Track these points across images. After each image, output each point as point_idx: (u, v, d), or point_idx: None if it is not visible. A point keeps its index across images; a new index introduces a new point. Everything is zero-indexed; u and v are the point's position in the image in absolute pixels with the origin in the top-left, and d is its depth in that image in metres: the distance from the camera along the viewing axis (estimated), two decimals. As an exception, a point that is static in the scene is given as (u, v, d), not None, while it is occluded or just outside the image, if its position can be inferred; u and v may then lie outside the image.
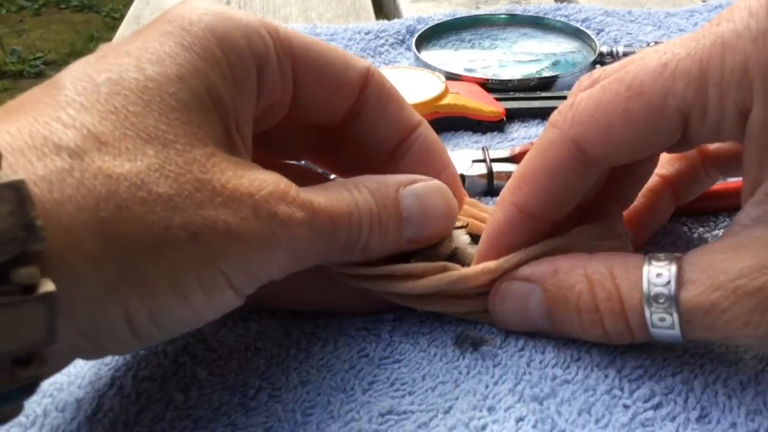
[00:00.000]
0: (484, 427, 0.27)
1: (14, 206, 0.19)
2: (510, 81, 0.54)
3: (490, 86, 0.53)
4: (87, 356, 0.25)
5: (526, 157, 0.31)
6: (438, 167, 0.33)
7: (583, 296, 0.28)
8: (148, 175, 0.23)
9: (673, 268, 0.27)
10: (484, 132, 0.49)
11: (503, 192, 0.31)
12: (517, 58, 0.59)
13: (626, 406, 0.28)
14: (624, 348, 0.30)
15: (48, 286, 0.20)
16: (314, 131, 0.33)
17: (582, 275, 0.29)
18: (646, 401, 0.28)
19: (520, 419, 0.27)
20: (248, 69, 0.27)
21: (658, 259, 0.28)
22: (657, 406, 0.28)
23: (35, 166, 0.21)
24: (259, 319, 0.33)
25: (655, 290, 0.27)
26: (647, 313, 0.27)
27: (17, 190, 0.19)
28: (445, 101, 0.49)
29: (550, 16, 0.65)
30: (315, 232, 0.27)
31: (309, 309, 0.33)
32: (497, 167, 0.42)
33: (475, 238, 0.32)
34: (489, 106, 0.49)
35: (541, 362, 0.30)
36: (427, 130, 0.33)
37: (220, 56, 0.26)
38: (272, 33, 0.28)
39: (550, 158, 0.29)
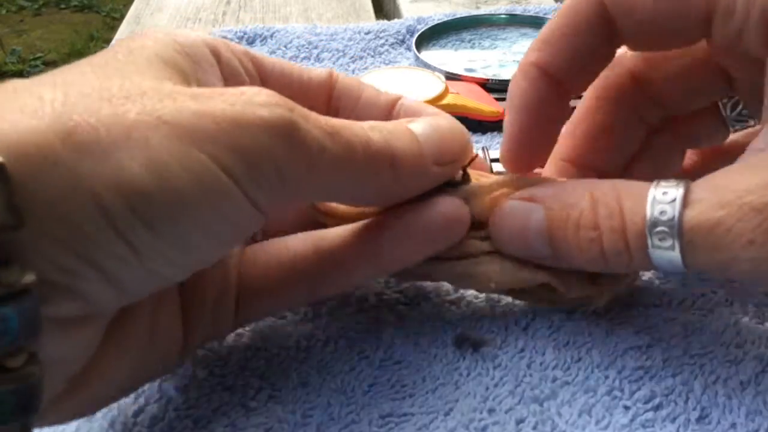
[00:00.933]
0: (484, 428, 0.27)
1: None
2: (510, 81, 0.54)
3: (490, 86, 0.53)
4: (99, 296, 0.21)
5: (549, 22, 0.30)
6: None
7: (585, 213, 0.27)
8: (99, 85, 0.22)
9: (681, 188, 0.26)
10: (484, 132, 0.49)
11: (524, 57, 0.30)
12: (517, 58, 0.59)
13: (626, 407, 0.28)
14: (624, 348, 0.30)
15: None
16: None
17: (587, 193, 0.28)
18: (646, 402, 0.28)
19: (520, 421, 0.27)
20: (201, 48, 0.27)
21: (667, 181, 0.27)
22: (657, 407, 0.28)
23: None
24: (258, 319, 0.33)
25: (659, 208, 0.26)
26: (647, 231, 0.26)
27: None
28: (445, 101, 0.49)
29: (550, 16, 0.64)
30: (314, 127, 0.24)
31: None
32: (497, 167, 0.42)
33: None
34: (489, 106, 0.49)
35: (541, 364, 0.30)
36: (408, 99, 0.32)
37: (170, 39, 0.26)
38: (220, 39, 0.29)
39: (574, 16, 0.29)
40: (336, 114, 0.31)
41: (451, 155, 0.29)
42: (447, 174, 0.29)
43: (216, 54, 0.27)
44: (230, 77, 0.28)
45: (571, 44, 0.29)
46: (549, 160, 0.32)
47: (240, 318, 0.29)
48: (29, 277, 0.19)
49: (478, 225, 0.29)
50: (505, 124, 0.31)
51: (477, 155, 0.31)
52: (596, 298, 0.31)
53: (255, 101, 0.23)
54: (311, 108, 0.29)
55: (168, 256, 0.22)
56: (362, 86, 0.32)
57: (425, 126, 0.28)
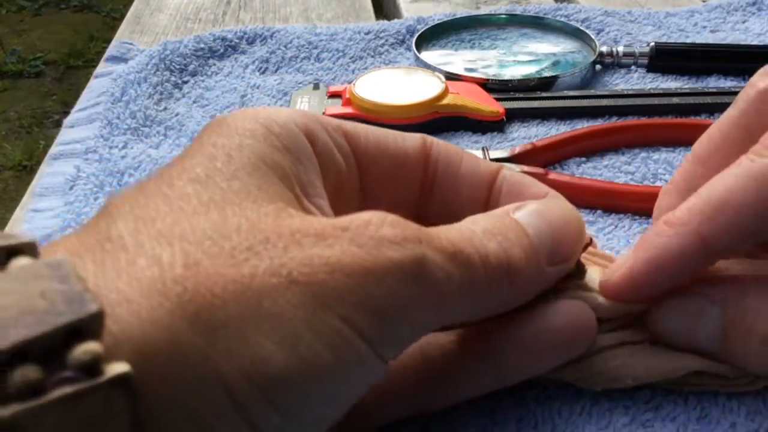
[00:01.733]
0: (484, 428, 0.27)
1: (57, 280, 0.16)
2: (510, 81, 0.54)
3: (490, 86, 0.53)
4: None
5: (719, 181, 0.25)
6: (539, 195, 0.28)
7: None
8: (215, 231, 0.19)
9: None
10: (484, 132, 0.49)
11: (681, 216, 0.25)
12: (517, 58, 0.59)
13: (626, 407, 0.28)
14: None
15: (118, 367, 0.16)
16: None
17: None
18: (646, 402, 0.28)
19: (520, 421, 0.27)
20: (298, 138, 0.24)
21: None
22: (657, 407, 0.28)
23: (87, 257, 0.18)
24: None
25: None
26: None
27: (60, 265, 0.16)
28: (445, 101, 0.49)
29: (550, 16, 0.64)
30: (440, 255, 0.22)
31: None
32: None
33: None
34: (489, 106, 0.49)
35: (541, 363, 0.29)
36: (509, 172, 0.29)
37: (265, 131, 0.24)
38: (310, 115, 0.26)
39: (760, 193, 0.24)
40: (432, 185, 0.29)
41: (565, 250, 0.26)
42: (563, 272, 0.26)
43: (311, 138, 0.25)
44: (327, 165, 0.26)
45: (739, 223, 0.25)
46: (673, 225, 0.26)
47: None
48: None
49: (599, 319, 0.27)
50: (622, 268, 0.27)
51: (591, 240, 0.28)
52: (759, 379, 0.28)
53: (383, 237, 0.21)
54: (409, 181, 0.28)
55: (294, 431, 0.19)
56: (462, 154, 0.29)
57: (537, 220, 0.25)
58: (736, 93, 0.50)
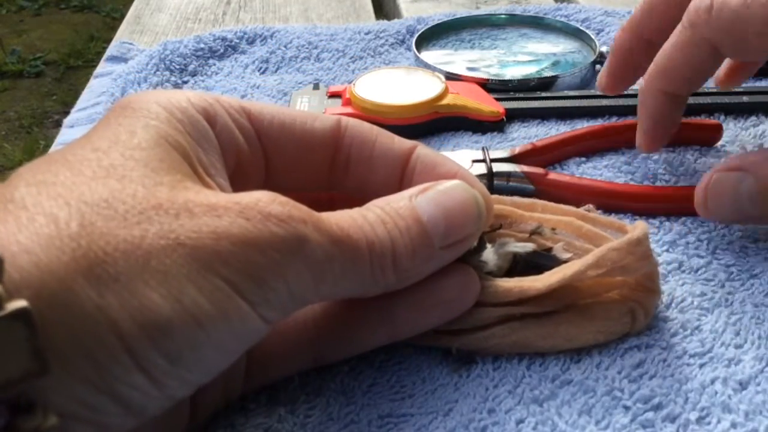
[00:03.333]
0: (484, 429, 0.27)
1: None
2: (510, 81, 0.54)
3: (490, 86, 0.53)
4: (116, 423, 0.21)
5: (664, 51, 0.37)
6: (448, 175, 0.30)
7: None
8: (111, 196, 0.21)
9: None
10: (484, 132, 0.49)
11: (647, 82, 0.39)
12: (517, 58, 0.59)
13: (626, 407, 0.28)
14: (624, 348, 0.30)
15: (18, 303, 0.18)
16: (313, 195, 0.31)
17: None
18: (646, 402, 0.28)
19: (520, 421, 0.27)
20: (197, 120, 0.26)
21: None
22: (657, 407, 0.28)
23: None
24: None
25: None
26: None
27: None
28: (445, 101, 0.49)
29: (550, 16, 0.64)
30: (324, 237, 0.24)
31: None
32: (497, 167, 0.42)
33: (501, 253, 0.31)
34: (489, 106, 0.49)
35: (540, 364, 0.30)
36: (423, 149, 0.31)
37: (167, 114, 0.25)
38: (210, 97, 0.28)
39: (689, 54, 0.36)
40: (347, 165, 0.30)
41: (459, 234, 0.28)
42: (457, 254, 0.28)
43: (211, 120, 0.27)
44: (227, 145, 0.27)
45: (686, 75, 0.37)
46: (645, 91, 0.39)
47: (248, 386, 0.29)
48: (52, 420, 0.18)
49: (494, 295, 0.29)
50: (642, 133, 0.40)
51: (500, 226, 0.32)
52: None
53: (270, 213, 0.23)
54: (316, 163, 0.30)
55: (184, 379, 0.22)
56: (376, 134, 0.30)
57: (433, 206, 0.27)
58: (736, 93, 0.50)
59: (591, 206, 0.35)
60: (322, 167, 0.30)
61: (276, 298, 0.23)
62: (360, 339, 0.29)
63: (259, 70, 0.58)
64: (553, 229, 0.33)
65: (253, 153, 0.29)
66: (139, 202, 0.22)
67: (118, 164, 0.23)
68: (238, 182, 0.27)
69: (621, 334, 0.30)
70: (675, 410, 0.27)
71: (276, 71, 0.58)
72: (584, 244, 0.32)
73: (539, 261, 0.31)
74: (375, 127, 0.31)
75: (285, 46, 0.61)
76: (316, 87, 0.52)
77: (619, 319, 0.30)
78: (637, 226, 0.30)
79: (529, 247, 0.32)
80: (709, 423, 0.27)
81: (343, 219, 0.25)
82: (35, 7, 2.96)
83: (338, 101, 0.50)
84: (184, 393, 0.22)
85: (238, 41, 0.62)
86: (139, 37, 0.68)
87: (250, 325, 0.22)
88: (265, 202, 0.23)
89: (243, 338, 0.23)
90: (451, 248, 0.28)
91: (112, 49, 0.63)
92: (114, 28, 0.82)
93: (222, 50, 0.61)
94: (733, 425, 0.27)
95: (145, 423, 0.22)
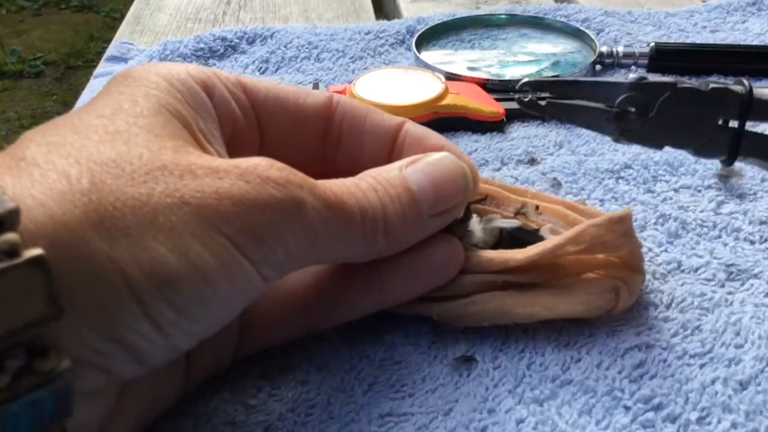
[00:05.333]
0: (484, 429, 0.27)
1: None
2: (510, 81, 0.54)
3: (490, 86, 0.53)
4: (124, 371, 0.22)
5: None
6: (436, 148, 0.31)
7: None
8: (119, 157, 0.22)
9: None
10: (484, 132, 0.49)
11: None
12: (517, 58, 0.59)
13: (627, 408, 0.28)
14: (624, 348, 0.30)
15: (34, 251, 0.19)
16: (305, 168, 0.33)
17: None
18: (646, 402, 0.28)
19: (520, 421, 0.27)
20: (196, 90, 0.27)
21: None
22: (657, 407, 0.28)
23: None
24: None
25: None
26: None
27: None
28: (445, 101, 0.49)
29: (550, 16, 0.64)
30: (319, 201, 0.25)
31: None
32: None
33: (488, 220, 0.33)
34: (489, 106, 0.49)
35: (541, 364, 0.30)
36: (412, 125, 0.32)
37: (167, 84, 0.26)
38: (208, 69, 0.29)
39: None
40: (338, 140, 0.31)
41: (447, 203, 0.29)
42: (445, 222, 0.29)
43: (209, 91, 0.28)
44: (224, 116, 0.28)
45: None
46: None
47: (240, 351, 0.30)
48: (65, 364, 0.19)
49: (477, 264, 0.30)
50: None
51: (486, 197, 0.32)
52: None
53: (269, 177, 0.24)
54: (309, 136, 0.31)
55: (188, 331, 0.23)
56: (366, 110, 0.32)
57: (422, 176, 0.28)
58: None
59: (583, 201, 0.36)
60: (315, 141, 0.31)
61: (274, 258, 0.24)
62: (350, 306, 0.30)
63: (259, 70, 0.58)
64: (537, 208, 0.34)
65: (248, 124, 0.30)
66: (144, 164, 0.23)
67: (123, 130, 0.24)
68: (234, 152, 0.28)
69: (604, 309, 0.31)
70: (675, 410, 0.27)
71: (276, 71, 0.58)
72: (573, 228, 0.32)
73: (524, 237, 0.32)
74: (365, 105, 0.32)
75: (285, 46, 0.61)
76: (316, 87, 0.52)
77: (601, 295, 0.31)
78: (624, 210, 0.31)
79: (515, 223, 0.33)
80: (709, 423, 0.27)
81: (336, 185, 0.27)
82: (35, 7, 2.96)
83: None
84: (187, 344, 0.23)
85: (238, 41, 0.62)
86: (139, 37, 0.68)
87: (250, 282, 0.23)
88: (264, 167, 0.24)
89: (244, 294, 0.24)
90: (440, 217, 0.29)
91: (112, 49, 0.63)
92: (114, 28, 0.82)
93: (222, 50, 0.61)
94: (734, 425, 0.27)
95: (144, 381, 0.24)
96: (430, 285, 0.30)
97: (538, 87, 0.29)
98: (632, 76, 0.28)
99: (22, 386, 0.19)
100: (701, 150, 0.28)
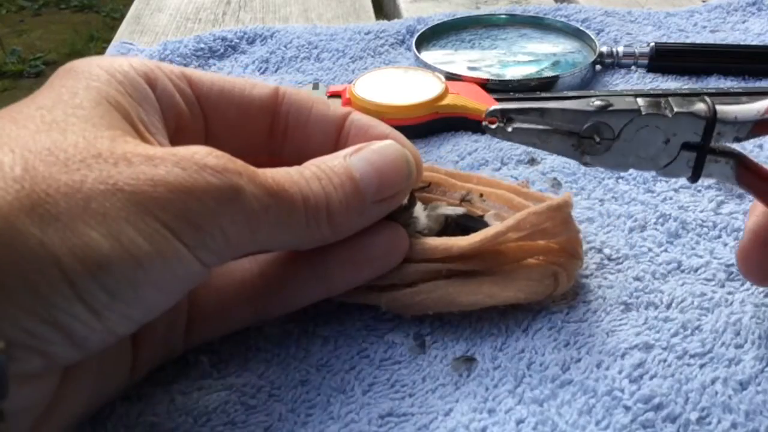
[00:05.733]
0: (484, 429, 0.27)
1: None
2: (510, 81, 0.54)
3: (490, 86, 0.53)
4: (61, 354, 0.22)
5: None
6: (381, 137, 0.32)
7: None
8: (54, 146, 0.23)
9: None
10: (483, 132, 0.49)
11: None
12: (517, 58, 0.59)
13: (626, 408, 0.28)
14: (624, 348, 0.30)
15: None
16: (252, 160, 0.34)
17: None
18: (646, 402, 0.28)
19: (520, 421, 0.27)
20: (139, 83, 0.28)
21: None
22: (657, 407, 0.28)
23: None
24: (259, 320, 0.33)
25: None
26: None
27: None
28: (445, 101, 0.49)
29: (550, 16, 0.64)
30: (259, 189, 0.25)
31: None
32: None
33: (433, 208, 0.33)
34: (489, 106, 0.49)
35: (541, 364, 0.30)
36: (357, 114, 0.32)
37: (108, 77, 0.27)
38: (151, 62, 0.29)
39: None
40: (285, 131, 0.32)
41: (390, 190, 0.30)
42: (388, 208, 0.30)
43: (152, 84, 0.28)
44: (167, 108, 0.29)
45: None
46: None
47: (189, 340, 0.30)
48: None
49: (421, 252, 0.31)
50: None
51: (429, 184, 0.33)
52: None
53: (206, 164, 0.24)
54: (255, 128, 0.31)
55: (125, 314, 0.23)
56: (312, 101, 0.32)
57: (365, 164, 0.29)
58: (736, 93, 0.51)
59: (525, 181, 0.37)
60: (261, 133, 0.32)
61: (213, 243, 0.24)
62: (296, 294, 0.31)
63: (259, 70, 0.58)
64: (481, 195, 0.35)
65: (193, 116, 0.30)
66: (79, 152, 0.23)
67: (60, 120, 0.24)
68: (179, 144, 0.28)
69: (543, 295, 0.32)
70: (675, 410, 0.27)
71: (276, 71, 0.58)
72: (514, 215, 0.33)
73: (469, 224, 0.33)
74: (312, 96, 0.32)
75: (285, 46, 0.61)
76: (316, 87, 0.52)
77: (541, 281, 0.32)
78: (562, 197, 0.32)
79: (460, 210, 0.33)
80: (709, 423, 0.27)
81: (279, 174, 0.27)
82: (35, 7, 2.96)
83: (338, 101, 0.50)
84: (125, 329, 0.23)
85: (238, 41, 0.62)
86: (139, 37, 0.68)
87: (188, 267, 0.24)
88: (201, 155, 0.25)
89: (182, 279, 0.24)
90: (383, 203, 0.30)
91: (112, 49, 0.63)
92: (114, 28, 0.82)
93: (222, 50, 0.61)
94: (734, 425, 0.27)
95: (88, 367, 0.25)
96: (374, 273, 0.31)
97: (505, 114, 0.29)
98: (597, 103, 0.29)
99: None
100: (665, 171, 0.29)
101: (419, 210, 0.33)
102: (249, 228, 0.25)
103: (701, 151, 0.28)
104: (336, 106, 0.32)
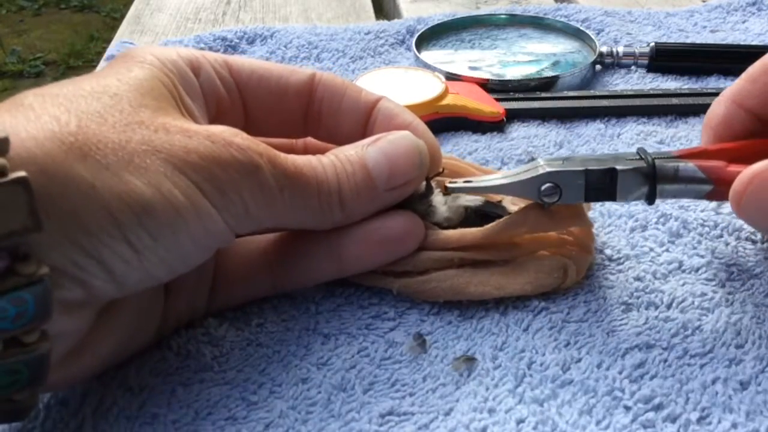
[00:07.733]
0: (484, 429, 0.27)
1: None
2: (510, 81, 0.54)
3: (490, 86, 0.53)
4: (100, 288, 0.24)
5: (754, 64, 0.34)
6: (402, 126, 0.33)
7: None
8: (104, 110, 0.26)
9: None
10: (483, 132, 0.49)
11: (723, 92, 0.35)
12: (517, 58, 0.59)
13: (627, 408, 0.28)
14: (624, 348, 0.30)
15: (19, 173, 0.22)
16: (289, 147, 0.35)
17: None
18: (646, 402, 0.28)
19: (520, 421, 0.27)
20: (185, 70, 0.30)
21: None
22: (658, 407, 0.28)
23: None
24: (260, 314, 0.33)
25: None
26: None
27: None
28: (445, 101, 0.49)
29: (550, 16, 0.64)
30: (277, 170, 0.28)
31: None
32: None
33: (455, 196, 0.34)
34: (489, 106, 0.49)
35: (541, 364, 0.30)
36: (387, 102, 0.34)
37: (159, 62, 0.29)
38: (196, 51, 0.32)
39: None
40: (319, 116, 0.34)
41: (401, 179, 0.31)
42: (400, 196, 0.32)
43: (195, 70, 0.31)
44: (209, 93, 0.31)
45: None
46: (720, 98, 0.35)
47: (212, 302, 0.32)
48: (44, 269, 0.22)
49: (435, 242, 0.33)
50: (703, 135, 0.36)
51: (443, 170, 0.34)
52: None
53: (233, 141, 0.27)
54: (291, 113, 0.33)
55: (163, 259, 0.26)
56: (345, 86, 0.34)
57: (379, 153, 0.31)
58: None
59: None
60: (297, 117, 0.34)
61: (234, 209, 0.27)
62: (310, 270, 0.32)
63: (259, 70, 0.58)
64: None
65: (232, 101, 0.33)
66: (125, 117, 0.26)
67: (113, 85, 0.27)
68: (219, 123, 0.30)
69: (551, 287, 0.33)
70: (676, 410, 0.27)
71: (276, 71, 0.58)
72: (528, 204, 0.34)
73: (488, 210, 0.34)
74: (346, 81, 0.34)
75: (285, 46, 0.61)
76: (316, 87, 0.52)
77: (550, 274, 0.32)
78: None
79: (480, 200, 0.34)
80: (710, 423, 0.27)
81: (300, 159, 0.30)
82: (35, 7, 2.96)
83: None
84: (161, 273, 0.26)
85: (238, 41, 0.62)
86: (139, 37, 0.68)
87: (215, 224, 0.27)
88: (230, 134, 0.28)
89: (211, 235, 0.27)
90: (395, 191, 0.32)
91: (112, 49, 0.63)
92: (114, 28, 0.82)
93: (222, 50, 0.61)
94: (734, 425, 0.27)
95: (123, 311, 0.27)
96: (387, 257, 0.32)
97: (465, 192, 0.33)
98: (549, 170, 0.32)
99: (6, 284, 0.22)
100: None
101: (439, 201, 0.33)
102: (265, 202, 0.28)
103: (651, 194, 0.32)
104: (368, 93, 0.34)
